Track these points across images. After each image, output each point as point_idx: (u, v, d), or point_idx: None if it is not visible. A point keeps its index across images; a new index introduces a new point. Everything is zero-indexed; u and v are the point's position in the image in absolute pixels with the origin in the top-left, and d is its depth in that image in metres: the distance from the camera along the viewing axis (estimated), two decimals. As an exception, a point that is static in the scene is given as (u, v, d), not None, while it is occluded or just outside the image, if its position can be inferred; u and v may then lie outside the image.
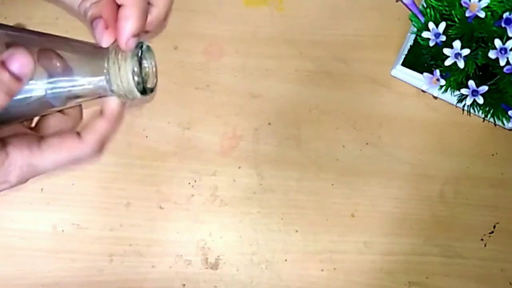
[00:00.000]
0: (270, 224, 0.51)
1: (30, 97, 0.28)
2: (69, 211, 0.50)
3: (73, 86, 0.29)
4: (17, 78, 0.26)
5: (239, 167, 0.52)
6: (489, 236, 0.52)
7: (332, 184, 0.52)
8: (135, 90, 0.29)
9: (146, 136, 0.51)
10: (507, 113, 0.49)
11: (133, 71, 0.29)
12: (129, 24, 0.30)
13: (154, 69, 0.31)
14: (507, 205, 0.53)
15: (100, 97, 0.30)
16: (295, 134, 0.53)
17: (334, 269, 0.51)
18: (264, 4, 0.55)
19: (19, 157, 0.28)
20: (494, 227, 0.53)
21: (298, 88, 0.53)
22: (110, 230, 0.50)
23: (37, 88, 0.28)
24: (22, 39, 0.28)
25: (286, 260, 0.51)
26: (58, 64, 0.29)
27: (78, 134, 0.30)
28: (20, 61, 0.26)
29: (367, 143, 0.53)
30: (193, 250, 0.50)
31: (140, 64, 0.30)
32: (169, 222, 0.51)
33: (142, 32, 0.31)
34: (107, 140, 0.31)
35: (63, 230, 0.50)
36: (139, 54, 0.30)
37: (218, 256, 0.50)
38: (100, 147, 0.30)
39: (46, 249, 0.49)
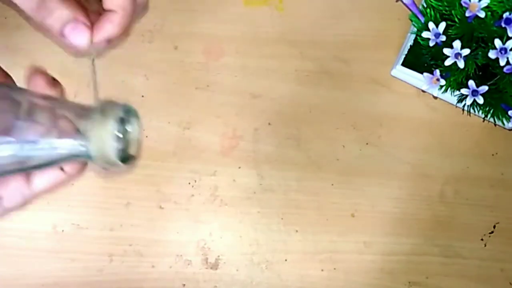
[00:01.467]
0: (270, 224, 0.51)
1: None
2: (69, 211, 0.50)
3: (46, 149, 0.27)
4: None
5: (239, 167, 0.52)
6: (489, 236, 0.52)
7: (332, 184, 0.52)
8: (114, 157, 0.26)
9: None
10: (507, 113, 0.49)
11: (116, 135, 0.26)
12: (110, 28, 0.30)
13: (138, 135, 0.28)
14: (507, 205, 0.53)
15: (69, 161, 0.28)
16: (295, 134, 0.53)
17: (334, 269, 0.51)
18: (264, 4, 0.55)
19: (15, 205, 0.29)
20: (494, 227, 0.53)
21: (298, 88, 0.53)
22: (110, 230, 0.50)
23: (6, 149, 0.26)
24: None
25: (286, 260, 0.51)
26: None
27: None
28: None
29: (367, 143, 0.53)
30: (193, 250, 0.50)
31: (124, 128, 0.27)
32: (169, 222, 0.51)
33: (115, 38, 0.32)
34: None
35: (63, 230, 0.50)
36: (122, 117, 0.27)
37: (218, 256, 0.50)
38: (80, 169, 0.31)
39: (46, 249, 0.49)
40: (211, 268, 0.50)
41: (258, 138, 0.52)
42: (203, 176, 0.51)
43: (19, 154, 0.26)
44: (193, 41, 0.53)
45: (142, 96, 0.52)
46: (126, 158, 0.28)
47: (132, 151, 0.28)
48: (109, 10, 0.32)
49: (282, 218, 0.51)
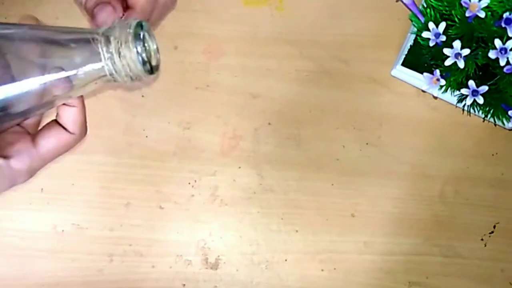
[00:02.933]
0: (270, 224, 0.51)
1: (30, 91, 0.28)
2: (69, 211, 0.50)
3: (71, 74, 0.28)
4: None
5: (239, 167, 0.52)
6: (489, 236, 0.52)
7: (332, 184, 0.52)
8: (142, 69, 0.28)
9: (146, 136, 0.51)
10: (507, 113, 0.49)
11: (138, 50, 0.28)
12: (133, 14, 0.33)
13: (155, 47, 0.30)
14: (507, 205, 0.53)
15: (95, 83, 0.29)
16: (295, 134, 0.53)
17: (334, 269, 0.51)
18: (264, 4, 0.55)
19: (22, 166, 0.30)
20: (494, 227, 0.53)
21: (298, 88, 0.53)
22: (110, 230, 0.50)
23: (34, 82, 0.28)
24: (15, 34, 0.28)
25: (286, 260, 0.51)
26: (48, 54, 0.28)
27: (60, 125, 0.31)
28: None
29: (367, 143, 0.53)
30: (193, 250, 0.50)
31: (143, 43, 0.29)
32: (169, 222, 0.51)
33: None
34: (86, 121, 0.32)
35: (63, 230, 0.50)
36: (141, 33, 0.29)
37: (218, 256, 0.51)
38: (84, 130, 0.32)
39: (46, 249, 0.49)
40: (211, 268, 0.50)
41: (258, 138, 0.52)
42: (203, 176, 0.51)
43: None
44: (193, 41, 0.53)
45: (142, 96, 0.52)
46: (151, 69, 0.29)
47: (153, 62, 0.30)
48: (131, 7, 0.35)
49: (282, 218, 0.51)
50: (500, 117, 0.50)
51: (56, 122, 0.31)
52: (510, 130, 0.53)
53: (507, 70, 0.45)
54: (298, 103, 0.53)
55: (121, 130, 0.51)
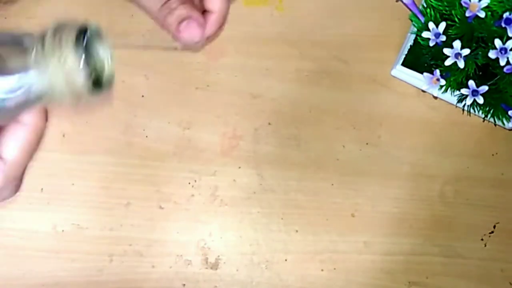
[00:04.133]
0: (270, 224, 0.51)
1: None
2: (69, 211, 0.50)
3: None
4: None
5: (239, 167, 0.52)
6: (489, 236, 0.52)
7: (332, 184, 0.52)
8: (84, 83, 0.22)
9: (146, 136, 0.51)
10: (507, 113, 0.49)
11: (79, 57, 0.21)
12: (210, 28, 0.36)
13: (108, 56, 0.23)
14: (507, 205, 0.53)
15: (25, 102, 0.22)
16: (295, 134, 0.53)
17: (334, 269, 0.51)
18: (264, 4, 0.55)
19: None
20: (494, 227, 0.53)
21: (298, 88, 0.53)
22: (110, 230, 0.50)
23: None
24: None
25: (286, 260, 0.51)
26: None
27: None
28: None
29: (367, 143, 0.53)
30: (193, 250, 0.50)
31: (90, 49, 0.22)
32: (169, 222, 0.51)
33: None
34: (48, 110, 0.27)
35: (63, 230, 0.50)
36: (86, 37, 0.22)
37: (218, 256, 0.51)
38: (41, 116, 0.26)
39: (46, 249, 0.49)
40: (211, 268, 0.50)
41: (258, 138, 0.52)
42: (203, 176, 0.51)
43: None
44: (193, 41, 0.53)
45: (142, 96, 0.52)
46: (98, 82, 0.22)
47: (103, 74, 0.23)
48: (209, 11, 0.37)
49: (282, 218, 0.51)
50: (500, 117, 0.50)
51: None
52: (510, 130, 0.53)
53: (507, 70, 0.45)
54: (298, 103, 0.53)
55: (121, 130, 0.51)
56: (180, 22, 0.36)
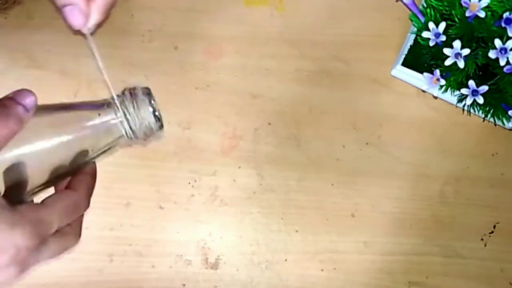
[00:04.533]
0: (270, 224, 0.51)
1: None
2: (69, 211, 0.50)
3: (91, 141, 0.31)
4: (26, 109, 0.29)
5: (239, 167, 0.52)
6: (489, 236, 0.52)
7: (332, 184, 0.52)
8: (156, 124, 0.32)
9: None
10: (507, 113, 0.49)
11: (153, 107, 0.31)
12: (96, 15, 0.37)
13: (158, 107, 0.33)
14: (507, 205, 0.53)
15: (109, 148, 0.33)
16: (295, 134, 0.53)
17: (334, 269, 0.51)
18: (264, 4, 0.55)
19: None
20: (494, 227, 0.53)
21: (298, 88, 0.53)
22: (110, 230, 0.50)
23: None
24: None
25: (286, 260, 0.51)
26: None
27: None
28: (28, 96, 0.29)
29: (367, 143, 0.53)
30: (193, 250, 0.50)
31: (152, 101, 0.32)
32: (169, 222, 0.51)
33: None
34: (93, 190, 0.33)
35: (63, 230, 0.50)
36: (150, 94, 0.32)
37: (218, 256, 0.51)
38: (89, 195, 0.33)
39: (46, 249, 0.49)
40: (211, 268, 0.50)
41: (258, 138, 0.52)
42: (203, 176, 0.51)
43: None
44: (193, 41, 0.53)
45: (142, 96, 0.52)
46: (161, 124, 0.33)
47: (160, 116, 0.33)
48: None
49: (282, 218, 0.51)
50: (500, 117, 0.50)
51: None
52: (510, 130, 0.53)
53: (507, 70, 0.45)
54: (298, 103, 0.53)
55: (121, 130, 0.51)
56: (63, 7, 0.36)
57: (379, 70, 0.54)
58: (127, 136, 0.32)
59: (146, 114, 0.31)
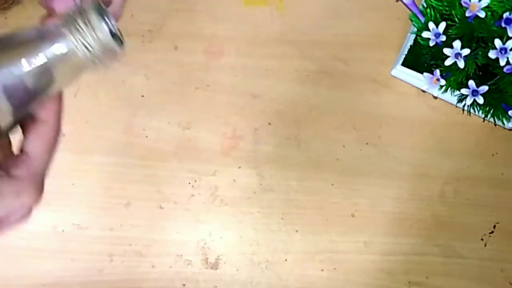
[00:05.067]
0: (270, 224, 0.51)
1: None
2: (69, 211, 0.50)
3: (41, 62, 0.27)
4: None
5: (239, 167, 0.52)
6: (489, 236, 0.52)
7: (332, 184, 0.52)
8: (113, 40, 0.28)
9: (146, 136, 0.51)
10: (507, 113, 0.49)
11: (106, 22, 0.28)
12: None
13: (114, 22, 0.30)
14: (507, 205, 0.53)
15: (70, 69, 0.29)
16: (295, 134, 0.53)
17: (334, 269, 0.51)
18: (264, 4, 0.55)
19: (24, 173, 0.28)
20: (494, 227, 0.53)
21: (298, 88, 0.53)
22: (110, 230, 0.50)
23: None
24: None
25: (286, 260, 0.51)
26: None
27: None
28: None
29: (367, 143, 0.53)
30: (193, 250, 0.50)
31: (106, 17, 0.29)
32: (169, 222, 0.51)
33: None
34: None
35: (63, 230, 0.50)
36: (102, 9, 0.29)
37: (218, 256, 0.51)
38: (60, 114, 0.30)
39: (46, 249, 0.49)
40: (211, 268, 0.50)
41: (258, 138, 0.52)
42: (203, 176, 0.51)
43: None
44: (193, 41, 0.53)
45: (142, 96, 0.52)
46: (120, 41, 0.29)
47: (115, 29, 0.29)
48: None
49: (282, 218, 0.51)
50: (500, 117, 0.50)
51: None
52: (510, 130, 0.53)
53: (507, 70, 0.45)
54: (298, 103, 0.53)
55: (121, 130, 0.51)
56: None
57: (379, 70, 0.54)
58: (87, 59, 0.28)
59: (99, 30, 0.28)
